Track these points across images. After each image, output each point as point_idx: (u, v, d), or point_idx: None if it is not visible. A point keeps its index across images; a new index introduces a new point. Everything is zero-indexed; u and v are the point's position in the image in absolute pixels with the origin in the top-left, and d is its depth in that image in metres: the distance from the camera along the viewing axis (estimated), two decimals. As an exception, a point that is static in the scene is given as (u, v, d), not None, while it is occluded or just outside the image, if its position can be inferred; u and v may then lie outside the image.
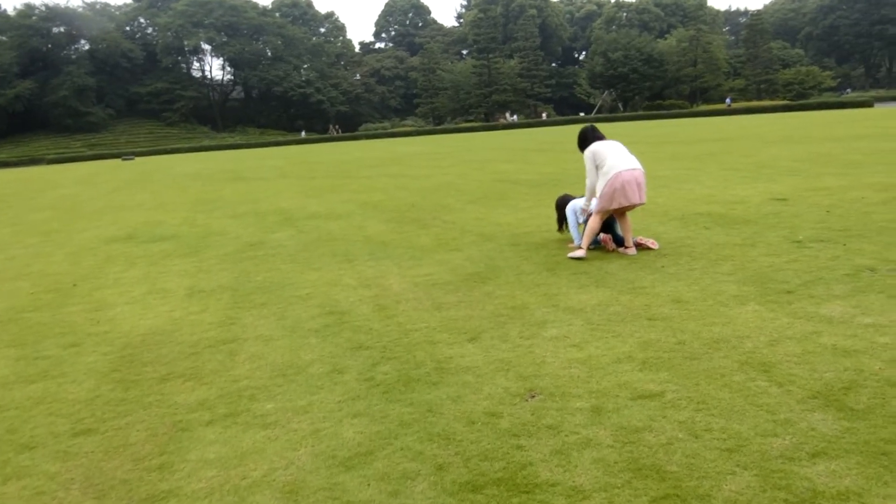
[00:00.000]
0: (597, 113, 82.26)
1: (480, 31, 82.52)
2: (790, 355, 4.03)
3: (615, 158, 6.79)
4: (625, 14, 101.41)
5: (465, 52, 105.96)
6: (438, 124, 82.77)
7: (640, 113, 67.75)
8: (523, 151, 26.11)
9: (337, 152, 39.46)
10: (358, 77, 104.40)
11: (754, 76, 78.02)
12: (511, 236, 8.30)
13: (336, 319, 5.45)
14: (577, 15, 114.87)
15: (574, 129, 38.85)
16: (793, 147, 17.82)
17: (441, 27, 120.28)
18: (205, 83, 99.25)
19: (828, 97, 68.80)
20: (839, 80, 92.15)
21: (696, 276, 5.88)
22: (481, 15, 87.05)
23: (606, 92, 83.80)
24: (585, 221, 7.21)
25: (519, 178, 15.26)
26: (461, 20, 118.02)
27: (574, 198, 7.60)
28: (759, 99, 74.14)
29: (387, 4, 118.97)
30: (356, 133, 76.44)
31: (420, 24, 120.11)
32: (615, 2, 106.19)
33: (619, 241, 7.09)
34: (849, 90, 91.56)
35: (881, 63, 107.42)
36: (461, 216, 10.20)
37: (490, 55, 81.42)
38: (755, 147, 18.86)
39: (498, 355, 4.41)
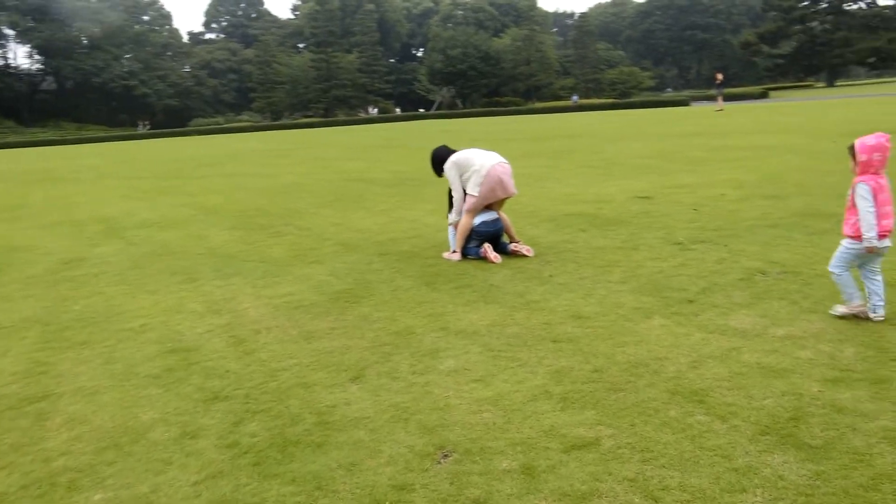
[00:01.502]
0: (437, 109, 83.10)
1: (318, 25, 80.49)
2: (719, 379, 3.62)
3: (482, 157, 6.58)
4: (461, 12, 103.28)
5: (301, 45, 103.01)
6: (276, 120, 79.83)
7: (480, 109, 69.11)
8: (369, 148, 25.34)
9: (166, 149, 36.54)
10: (188, 69, 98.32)
11: (583, 75, 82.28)
12: (376, 245, 7.53)
13: (181, 360, 4.44)
14: (414, 11, 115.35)
15: (417, 125, 39.00)
16: (635, 144, 18.43)
17: (276, 19, 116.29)
18: (8, 72, 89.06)
19: (648, 96, 73.88)
20: (657, 80, 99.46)
21: (589, 285, 5.44)
22: (318, 7, 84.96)
23: (446, 88, 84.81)
24: (468, 241, 6.67)
25: (371, 177, 14.48)
26: (297, 13, 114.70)
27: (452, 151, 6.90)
28: (587, 97, 78.27)
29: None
30: (186, 129, 71.77)
31: (253, 16, 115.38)
32: (450, 0, 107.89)
33: (503, 250, 6.56)
34: (669, 89, 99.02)
35: (691, 65, 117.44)
36: (316, 221, 9.27)
37: (329, 49, 79.62)
38: (599, 144, 19.35)
39: (391, 399, 3.66)
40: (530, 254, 6.49)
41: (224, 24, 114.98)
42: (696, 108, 46.34)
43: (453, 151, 6.82)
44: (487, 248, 6.43)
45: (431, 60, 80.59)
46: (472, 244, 6.62)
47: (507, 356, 4.14)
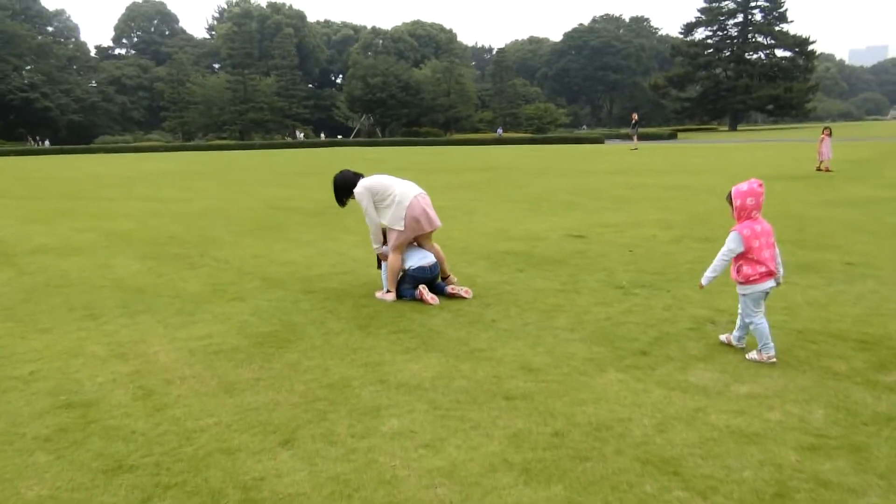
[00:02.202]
0: (355, 136, 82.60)
1: (235, 46, 78.66)
2: (689, 445, 3.34)
3: (400, 186, 6.24)
4: (381, 41, 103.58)
5: (217, 66, 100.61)
6: (188, 140, 77.23)
7: (399, 138, 69.10)
8: (289, 175, 24.59)
9: (70, 167, 34.47)
10: (94, 84, 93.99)
11: (501, 109, 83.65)
12: (302, 280, 7.01)
13: (78, 417, 3.81)
14: (334, 38, 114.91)
15: (336, 152, 38.50)
16: (558, 179, 18.55)
17: (191, 38, 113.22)
18: None
19: (562, 132, 75.84)
20: (571, 117, 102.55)
21: (535, 332, 5.13)
22: (236, 28, 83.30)
23: (365, 116, 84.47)
24: (403, 281, 6.26)
25: (293, 205, 13.87)
26: (213, 32, 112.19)
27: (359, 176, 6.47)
28: (506, 131, 79.61)
29: (128, 8, 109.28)
30: (91, 146, 68.30)
31: (167, 33, 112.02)
32: (371, 28, 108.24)
33: (440, 291, 6.18)
34: (584, 127, 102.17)
35: (604, 104, 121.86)
36: (235, 252, 8.64)
37: (246, 71, 77.92)
38: (522, 178, 19.38)
39: (329, 469, 3.19)
40: (468, 295, 6.14)
41: (135, 39, 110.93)
42: (611, 146, 47.76)
43: (360, 176, 6.39)
44: (423, 289, 6.03)
45: (351, 87, 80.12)
46: (407, 286, 6.21)
47: (456, 416, 3.74)
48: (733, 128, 76.66)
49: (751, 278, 4.42)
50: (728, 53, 76.39)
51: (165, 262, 8.05)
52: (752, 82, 73.24)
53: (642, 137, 49.79)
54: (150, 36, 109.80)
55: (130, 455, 3.36)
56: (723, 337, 4.82)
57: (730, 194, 4.49)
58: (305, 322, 5.55)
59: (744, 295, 4.49)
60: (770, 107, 75.34)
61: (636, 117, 36.96)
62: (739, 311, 4.59)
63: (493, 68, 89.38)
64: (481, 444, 3.42)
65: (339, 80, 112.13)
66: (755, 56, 76.82)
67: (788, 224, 9.49)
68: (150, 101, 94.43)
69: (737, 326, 4.67)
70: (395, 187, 6.18)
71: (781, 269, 4.59)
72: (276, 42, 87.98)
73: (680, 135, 61.65)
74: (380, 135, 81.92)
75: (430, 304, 5.92)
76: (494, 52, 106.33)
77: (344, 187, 6.37)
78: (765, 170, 19.19)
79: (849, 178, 15.95)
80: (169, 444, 3.46)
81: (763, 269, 4.41)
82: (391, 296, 6.17)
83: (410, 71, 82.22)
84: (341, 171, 6.51)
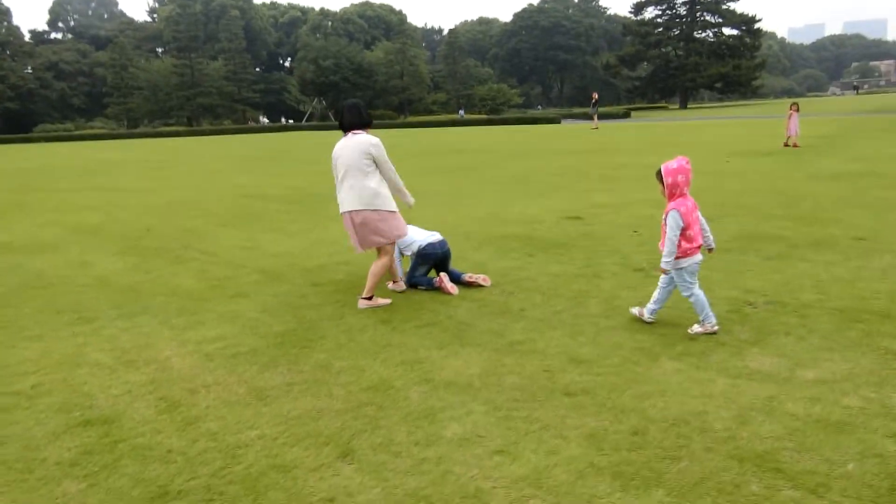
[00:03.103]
0: (307, 120, 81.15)
1: (180, 29, 76.23)
2: (778, 438, 3.15)
3: (340, 189, 5.45)
4: (330, 23, 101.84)
5: (160, 50, 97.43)
6: (134, 127, 74.88)
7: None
8: (252, 160, 23.85)
9: (12, 157, 32.85)
10: (30, 70, 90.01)
11: (455, 91, 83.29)
12: (304, 273, 6.64)
13: (101, 436, 3.43)
14: (281, 20, 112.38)
15: (292, 136, 37.65)
16: (534, 161, 18.33)
17: (131, 21, 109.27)
18: None
19: (515, 112, 75.71)
20: (523, 97, 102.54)
21: (570, 321, 4.90)
22: (179, 11, 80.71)
23: (317, 100, 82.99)
24: (416, 266, 5.95)
25: (266, 192, 13.34)
26: (155, 15, 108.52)
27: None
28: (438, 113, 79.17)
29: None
30: (31, 134, 65.55)
31: (105, 16, 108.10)
32: (320, 10, 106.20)
33: (456, 279, 5.89)
34: (539, 107, 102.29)
35: (554, 84, 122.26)
36: (220, 244, 8.18)
37: (192, 55, 75.62)
38: (497, 160, 19.11)
39: (403, 484, 2.90)
40: (487, 283, 5.87)
41: (72, 23, 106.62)
42: (569, 125, 47.82)
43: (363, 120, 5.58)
44: (443, 277, 5.74)
45: (302, 70, 78.52)
46: (421, 271, 5.92)
47: (520, 416, 3.48)
48: (683, 106, 77.68)
49: (687, 251, 4.54)
50: (677, 32, 77.18)
51: (148, 258, 7.56)
52: (701, 60, 74.23)
53: (599, 117, 50.04)
54: (87, 19, 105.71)
55: (174, 479, 3.01)
56: (634, 310, 4.91)
57: (659, 172, 4.55)
58: (321, 318, 5.20)
59: (678, 269, 4.58)
60: (719, 84, 76.55)
61: (596, 97, 36.98)
62: (661, 284, 4.73)
63: (446, 49, 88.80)
64: (559, 447, 3.17)
65: (287, 64, 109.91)
66: (704, 34, 77.81)
67: (780, 200, 9.46)
68: (90, 87, 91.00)
69: (652, 300, 4.78)
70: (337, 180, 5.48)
71: (710, 235, 4.77)
72: (222, 25, 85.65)
73: (633, 113, 62.19)
74: (332, 118, 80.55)
75: (451, 294, 5.64)
76: (445, 33, 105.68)
77: (357, 113, 5.41)
78: (734, 146, 19.34)
79: (819, 152, 16.13)
80: (214, 464, 3.12)
81: (695, 243, 4.56)
82: (400, 285, 5.89)
83: (362, 53, 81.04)
84: (350, 102, 5.57)
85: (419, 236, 6.02)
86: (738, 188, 10.80)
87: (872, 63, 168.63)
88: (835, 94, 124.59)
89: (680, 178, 4.49)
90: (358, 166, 5.27)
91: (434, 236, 6.04)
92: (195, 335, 4.90)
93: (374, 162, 5.32)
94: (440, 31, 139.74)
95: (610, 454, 3.08)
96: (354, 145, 5.29)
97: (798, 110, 17.80)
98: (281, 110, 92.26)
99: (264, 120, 74.42)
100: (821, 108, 48.89)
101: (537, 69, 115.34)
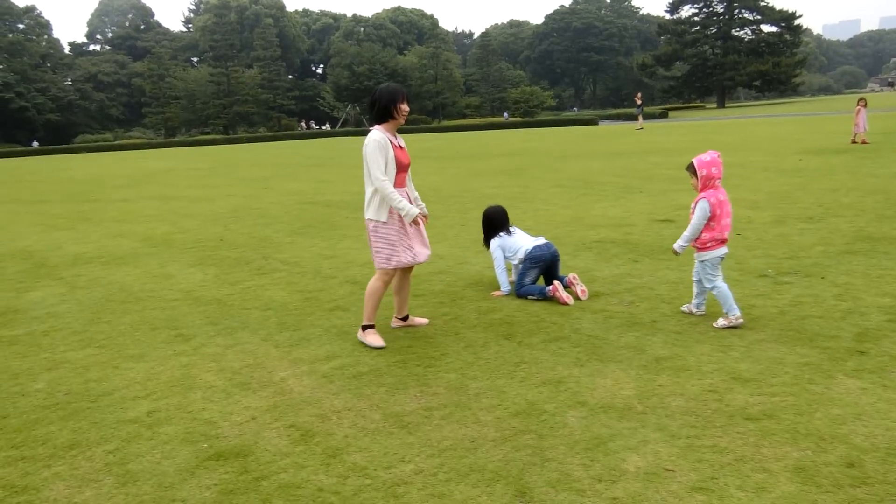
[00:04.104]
0: (342, 126, 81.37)
1: (217, 38, 76.94)
2: None
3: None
4: (362, 28, 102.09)
5: (195, 59, 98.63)
6: (171, 136, 75.64)
7: (389, 127, 67.80)
8: (300, 167, 23.70)
9: (60, 168, 33.22)
10: (70, 82, 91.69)
11: (488, 94, 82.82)
12: (397, 282, 6.29)
13: (239, 471, 3.10)
14: (313, 27, 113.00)
15: (325, 143, 37.50)
16: (591, 162, 17.83)
17: (167, 31, 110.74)
18: None
19: (550, 115, 75.06)
20: (556, 99, 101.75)
21: (711, 333, 4.47)
22: (215, 20, 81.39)
23: (350, 105, 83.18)
24: (524, 273, 5.58)
25: (327, 199, 13.09)
26: (190, 25, 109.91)
27: (500, 214, 5.88)
28: (493, 115, 78.69)
29: (101, 3, 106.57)
30: (73, 145, 66.64)
31: (143, 27, 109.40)
32: (352, 16, 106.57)
33: (565, 285, 5.51)
34: (575, 109, 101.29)
35: (587, 86, 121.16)
36: (300, 253, 7.89)
37: (228, 63, 76.31)
38: (552, 162, 18.66)
39: (604, 533, 2.51)
40: (584, 297, 5.40)
41: (110, 35, 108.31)
42: (608, 126, 47.12)
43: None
44: (557, 286, 5.35)
45: (336, 76, 78.72)
46: (530, 277, 5.55)
47: (704, 445, 3.07)
48: (721, 105, 76.26)
49: (706, 244, 4.61)
50: (715, 30, 75.86)
51: (229, 269, 7.28)
52: (739, 58, 72.85)
53: (630, 118, 49.31)
54: (125, 31, 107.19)
55: (338, 524, 2.66)
56: (684, 308, 4.94)
57: (691, 164, 4.65)
58: (435, 333, 4.85)
59: (702, 261, 4.67)
60: (757, 83, 75.02)
61: (640, 97, 36.30)
62: (694, 277, 4.82)
63: (478, 52, 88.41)
64: (766, 482, 2.75)
65: (319, 70, 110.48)
66: (742, 32, 76.40)
67: (881, 199, 8.90)
68: (128, 97, 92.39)
69: (694, 294, 4.85)
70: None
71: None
72: (256, 33, 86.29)
73: (670, 114, 61.16)
74: (367, 124, 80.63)
75: (566, 304, 5.24)
76: (476, 37, 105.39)
77: (375, 102, 4.62)
78: (798, 145, 18.65)
79: (893, 149, 15.41)
80: (377, 505, 2.77)
81: (720, 237, 4.61)
82: (499, 292, 5.59)
83: (396, 58, 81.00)
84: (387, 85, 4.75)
85: (525, 241, 5.67)
86: (827, 187, 10.23)
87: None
88: (874, 90, 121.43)
89: (714, 171, 4.59)
90: (364, 171, 4.59)
91: (540, 240, 5.69)
92: (305, 353, 4.58)
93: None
94: (470, 34, 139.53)
95: (833, 492, 2.67)
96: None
97: (866, 105, 17.07)
98: (313, 117, 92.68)
99: (314, 125, 74.60)
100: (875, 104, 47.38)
101: (569, 71, 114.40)
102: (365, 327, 4.74)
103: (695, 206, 4.63)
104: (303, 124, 76.78)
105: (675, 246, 4.72)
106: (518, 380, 3.95)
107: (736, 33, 75.81)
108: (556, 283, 5.37)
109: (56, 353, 4.87)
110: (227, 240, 9.02)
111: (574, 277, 5.51)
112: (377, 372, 4.19)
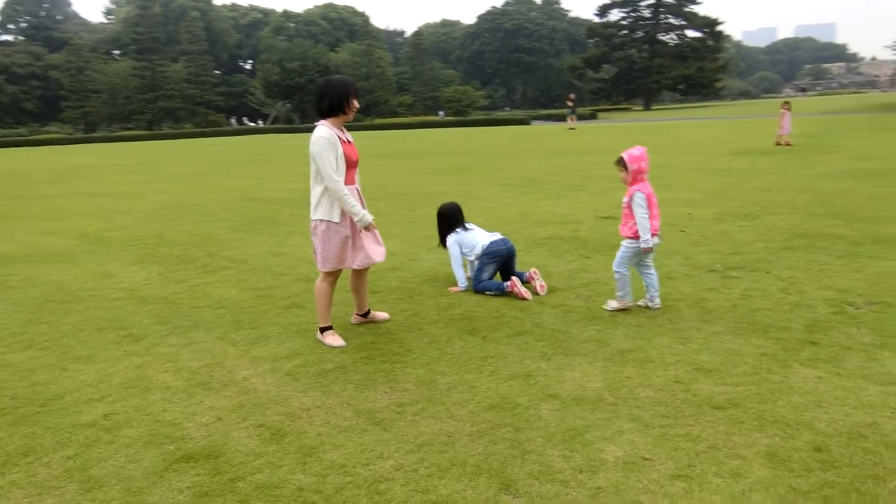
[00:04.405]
0: (272, 123, 79.91)
1: (141, 31, 74.22)
2: (980, 455, 2.87)
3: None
4: (293, 24, 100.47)
5: (117, 52, 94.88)
6: (91, 131, 72.57)
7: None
8: (233, 164, 23.14)
9: (-30, 164, 31.41)
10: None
11: (421, 93, 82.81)
12: (351, 278, 6.21)
13: (211, 473, 2.99)
14: (241, 22, 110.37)
15: (256, 140, 36.80)
16: (531, 161, 18.03)
17: (86, 22, 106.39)
18: None
19: (482, 115, 75.56)
20: (488, 99, 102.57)
21: (668, 326, 4.59)
22: (139, 12, 78.49)
23: (281, 102, 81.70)
24: (481, 269, 5.60)
25: (266, 196, 12.80)
26: (111, 17, 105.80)
27: (456, 211, 5.89)
28: (426, 114, 78.62)
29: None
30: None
31: (59, 18, 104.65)
32: (282, 11, 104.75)
33: (524, 280, 5.56)
34: (507, 109, 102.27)
35: (517, 86, 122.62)
36: (246, 250, 7.70)
37: (153, 57, 73.73)
38: (493, 161, 18.77)
39: (592, 522, 2.54)
40: (543, 292, 5.46)
41: (24, 25, 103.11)
42: (540, 126, 47.83)
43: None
44: (515, 281, 5.39)
45: (266, 72, 77.07)
46: (487, 273, 5.58)
47: (678, 434, 3.15)
48: (647, 107, 78.55)
49: (635, 235, 4.83)
50: (642, 34, 78.06)
51: (173, 267, 7.04)
52: (665, 62, 75.21)
53: (560, 118, 50.20)
54: (40, 21, 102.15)
55: (323, 522, 2.60)
56: (640, 302, 5.05)
57: (621, 159, 4.87)
58: (397, 329, 4.81)
59: (627, 247, 4.88)
60: (682, 86, 77.67)
61: (573, 98, 36.96)
62: (638, 272, 5.00)
63: (411, 51, 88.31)
64: (742, 468, 2.84)
65: (248, 66, 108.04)
66: (667, 37, 78.90)
67: (810, 198, 9.32)
68: (43, 90, 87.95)
69: (646, 287, 5.00)
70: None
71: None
72: (182, 26, 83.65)
73: (598, 115, 62.56)
74: (297, 121, 79.44)
75: (525, 299, 5.29)
76: (408, 36, 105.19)
77: (322, 96, 4.38)
78: (726, 146, 19.37)
79: (815, 151, 16.18)
80: (360, 503, 2.72)
81: (652, 228, 4.83)
82: (457, 288, 5.63)
83: (328, 55, 79.98)
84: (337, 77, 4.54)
85: (481, 237, 5.70)
86: (759, 186, 10.67)
87: (825, 65, 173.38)
88: (789, 95, 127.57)
89: (643, 164, 4.85)
90: (310, 167, 4.39)
91: (496, 235, 5.74)
92: (265, 352, 4.47)
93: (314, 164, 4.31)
94: (402, 33, 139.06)
95: (805, 476, 2.77)
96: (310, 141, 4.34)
97: (790, 109, 17.87)
98: (242, 113, 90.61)
99: (261, 122, 72.63)
100: (775, 109, 49.62)
101: (501, 71, 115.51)
102: (322, 329, 4.63)
103: (629, 200, 4.83)
104: (233, 121, 74.91)
105: (641, 244, 4.81)
106: (487, 374, 3.96)
107: (662, 38, 78.24)
108: (514, 278, 5.41)
109: (-4, 356, 4.60)
110: (167, 237, 8.71)
111: (535, 272, 5.56)
112: (343, 369, 4.12)
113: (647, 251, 4.86)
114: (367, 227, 4.47)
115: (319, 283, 4.61)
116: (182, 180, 17.23)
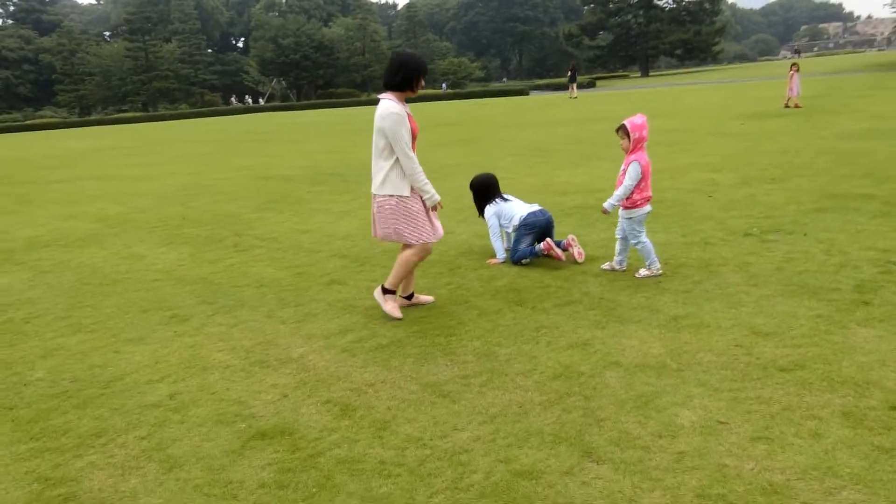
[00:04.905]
0: (268, 101, 79.31)
1: (132, 11, 73.34)
2: None
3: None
4: (284, 0, 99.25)
5: (107, 33, 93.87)
6: (86, 115, 72.05)
7: (320, 101, 66.55)
8: (237, 143, 23.00)
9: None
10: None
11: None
12: (389, 255, 6.20)
13: (289, 450, 3.01)
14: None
15: (255, 119, 36.46)
16: (539, 131, 17.94)
17: (75, 4, 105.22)
18: None
19: (478, 86, 75.03)
20: (483, 71, 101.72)
21: (716, 290, 4.60)
22: (130, -9, 77.58)
23: (275, 80, 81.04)
24: (519, 240, 5.59)
25: (279, 174, 12.74)
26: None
27: (493, 182, 5.88)
28: (423, 88, 77.82)
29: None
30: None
31: (48, 0, 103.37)
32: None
33: (561, 246, 5.56)
34: (504, 80, 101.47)
35: (512, 56, 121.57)
36: (273, 228, 7.68)
37: (145, 37, 72.91)
38: (499, 131, 18.70)
39: (682, 484, 2.57)
40: (581, 259, 5.49)
41: (12, 8, 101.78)
42: (541, 96, 47.49)
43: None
44: (550, 243, 5.41)
45: (261, 50, 76.31)
46: (525, 243, 5.56)
47: (748, 397, 3.17)
48: (645, 73, 77.92)
49: (637, 203, 4.88)
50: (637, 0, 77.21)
51: (203, 247, 7.02)
52: (662, 27, 74.47)
53: (561, 87, 49.86)
54: (28, 3, 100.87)
55: (413, 496, 2.63)
56: (605, 265, 5.21)
57: (622, 126, 4.86)
58: (445, 303, 4.82)
59: (629, 218, 4.94)
60: (679, 51, 76.99)
61: (574, 66, 36.66)
62: (618, 235, 5.08)
63: (405, 24, 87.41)
64: (820, 429, 2.86)
65: (241, 44, 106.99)
66: (663, 1, 78.05)
67: (832, 159, 9.29)
68: (36, 74, 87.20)
69: (617, 251, 5.15)
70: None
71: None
72: (173, 5, 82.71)
73: (597, 83, 62.10)
74: (293, 98, 78.86)
75: (560, 260, 5.34)
76: (401, 8, 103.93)
77: (394, 68, 4.33)
78: (733, 110, 19.25)
79: (826, 112, 16.09)
80: (445, 475, 2.74)
81: (646, 195, 4.91)
82: (495, 260, 5.67)
83: (322, 30, 79.10)
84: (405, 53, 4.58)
85: (520, 208, 5.69)
86: (776, 149, 10.62)
87: (821, 25, 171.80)
88: (786, 57, 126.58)
89: (644, 133, 4.85)
90: (374, 141, 4.35)
91: (534, 206, 5.73)
92: (316, 329, 4.47)
93: (387, 140, 4.26)
94: (394, 6, 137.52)
95: (885, 433, 2.79)
96: (376, 115, 4.30)
97: (798, 70, 17.74)
98: (237, 92, 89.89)
99: (249, 100, 72.04)
100: (773, 71, 49.26)
101: (495, 42, 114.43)
102: (385, 290, 4.59)
103: (626, 168, 4.86)
104: (233, 99, 74.36)
105: (606, 205, 4.97)
106: (544, 344, 3.97)
107: (658, 2, 77.38)
108: (548, 239, 5.43)
109: (45, 339, 4.61)
110: (190, 218, 8.68)
111: (573, 239, 5.57)
112: (398, 343, 4.13)
113: (605, 213, 5.09)
114: (434, 207, 4.45)
115: (410, 255, 4.52)
116: (191, 161, 17.14)
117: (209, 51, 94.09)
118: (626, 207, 4.93)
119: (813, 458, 2.66)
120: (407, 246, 4.59)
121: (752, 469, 2.63)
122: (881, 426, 2.85)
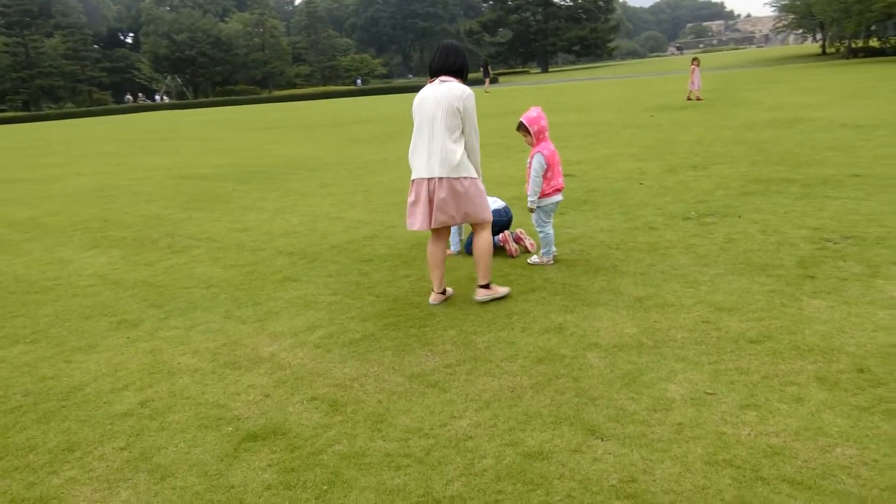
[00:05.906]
0: (163, 99, 76.04)
1: (8, 4, 68.53)
2: None
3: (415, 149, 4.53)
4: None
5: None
6: (-40, 116, 66.79)
7: (219, 98, 64.37)
8: (141, 142, 21.94)
9: None
10: None
11: (318, 62, 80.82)
12: (337, 251, 6.09)
13: (285, 449, 2.92)
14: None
15: (148, 118, 34.93)
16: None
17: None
18: None
19: (385, 83, 74.81)
20: (386, 67, 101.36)
21: (670, 272, 4.78)
22: (4, -16, 72.40)
23: (170, 77, 77.79)
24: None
25: (195, 173, 12.25)
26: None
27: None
28: (325, 84, 77.00)
29: None
30: None
31: None
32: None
33: (513, 238, 5.63)
34: (410, 76, 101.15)
35: (413, 53, 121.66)
36: (206, 228, 7.39)
37: (26, 32, 68.30)
38: (409, 126, 18.63)
39: (690, 452, 2.66)
40: (533, 249, 5.58)
41: None
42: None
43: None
44: (508, 235, 5.47)
45: (153, 46, 72.99)
46: (478, 238, 5.59)
47: (728, 368, 3.33)
48: (545, 69, 79.85)
49: (546, 192, 5.02)
50: (535, -3, 78.96)
51: (134, 250, 6.67)
52: (560, 24, 76.47)
53: (471, 83, 50.36)
54: None
55: (427, 487, 2.61)
56: (529, 260, 5.27)
57: (520, 125, 5.03)
58: (407, 294, 4.78)
59: (539, 207, 5.06)
60: (577, 48, 79.29)
61: (487, 61, 37.05)
62: (537, 229, 5.15)
63: (305, 20, 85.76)
64: (801, 394, 3.04)
65: (129, 40, 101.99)
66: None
67: (745, 147, 9.82)
68: None
69: (543, 244, 5.19)
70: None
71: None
72: (54, -2, 77.84)
73: (500, 78, 63.10)
74: (189, 96, 75.92)
75: (513, 256, 5.40)
76: (299, 3, 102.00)
77: (450, 55, 4.40)
78: (642, 104, 20.01)
79: (727, 104, 16.99)
80: (456, 462, 2.73)
81: (556, 185, 5.06)
82: (452, 250, 5.66)
83: (219, 25, 76.53)
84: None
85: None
86: (692, 139, 11.13)
87: (705, 23, 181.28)
88: (673, 53, 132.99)
89: (543, 123, 4.99)
90: (441, 121, 4.26)
91: (497, 202, 5.75)
92: (281, 327, 4.34)
93: (462, 120, 4.29)
94: (292, 1, 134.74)
95: (860, 393, 3.00)
96: (441, 96, 4.27)
97: (699, 65, 18.64)
98: (128, 89, 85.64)
99: (165, 98, 68.52)
100: (666, 66, 51.66)
101: (396, 38, 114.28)
102: (484, 286, 4.50)
103: (531, 161, 4.97)
104: (129, 97, 70.74)
105: (529, 203, 5.06)
106: (519, 329, 4.01)
107: (555, 0, 79.33)
108: (505, 232, 5.49)
109: (-20, 354, 4.25)
110: (111, 220, 8.21)
111: (521, 232, 5.65)
112: (372, 337, 4.07)
113: (532, 211, 5.11)
114: None
115: (485, 236, 4.46)
116: (97, 161, 16.21)
117: (96, 46, 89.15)
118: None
119: (801, 421, 2.82)
120: (439, 240, 4.53)
121: (749, 434, 2.76)
122: (854, 387, 3.05)
